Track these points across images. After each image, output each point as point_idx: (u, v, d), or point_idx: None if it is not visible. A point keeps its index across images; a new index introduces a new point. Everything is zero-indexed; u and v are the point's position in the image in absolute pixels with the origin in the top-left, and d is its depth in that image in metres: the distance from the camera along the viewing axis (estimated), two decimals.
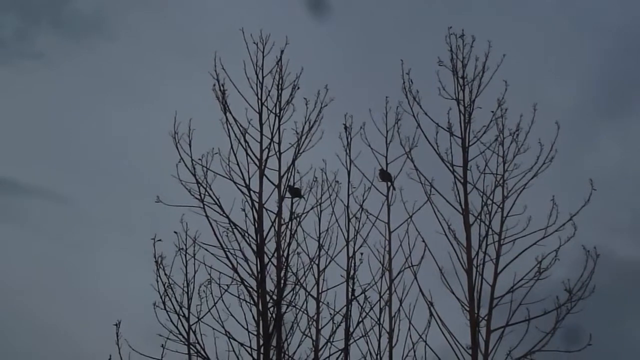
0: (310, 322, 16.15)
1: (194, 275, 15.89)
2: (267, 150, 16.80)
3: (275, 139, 16.86)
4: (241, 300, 16.00)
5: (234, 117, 16.83)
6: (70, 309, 24.03)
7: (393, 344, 16.17)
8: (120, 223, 24.92)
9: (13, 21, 31.03)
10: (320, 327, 16.17)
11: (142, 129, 25.36)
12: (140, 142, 25.48)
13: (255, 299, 16.03)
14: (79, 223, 26.49)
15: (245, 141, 16.75)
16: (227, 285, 16.01)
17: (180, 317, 15.70)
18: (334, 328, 16.06)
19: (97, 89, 28.04)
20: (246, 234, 16.27)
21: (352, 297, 16.20)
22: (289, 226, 16.38)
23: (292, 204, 16.63)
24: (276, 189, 16.66)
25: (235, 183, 16.56)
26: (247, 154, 16.71)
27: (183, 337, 15.65)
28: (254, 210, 16.45)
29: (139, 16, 29.04)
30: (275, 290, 16.06)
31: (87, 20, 30.38)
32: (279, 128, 16.89)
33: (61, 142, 27.99)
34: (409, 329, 16.11)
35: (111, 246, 24.90)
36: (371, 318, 16.20)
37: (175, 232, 16.01)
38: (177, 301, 15.72)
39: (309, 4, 19.09)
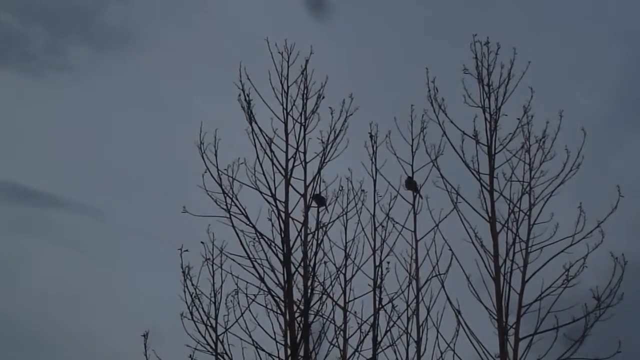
0: (338, 332, 16.14)
1: (221, 286, 15.94)
2: (292, 159, 16.78)
3: (301, 148, 16.85)
4: (268, 310, 16.03)
5: (259, 127, 16.83)
6: (100, 319, 24.12)
7: (421, 353, 16.12)
8: (149, 234, 24.99)
9: (43, 34, 31.29)
10: (347, 337, 16.16)
11: (168, 139, 25.44)
12: (166, 152, 25.56)
13: (283, 308, 16.02)
14: (108, 234, 26.61)
15: (271, 151, 16.73)
16: (254, 295, 16.03)
17: (208, 327, 15.74)
18: (362, 337, 16.06)
19: (125, 100, 28.18)
20: (273, 244, 16.27)
21: (380, 306, 16.18)
22: (316, 235, 16.37)
23: (318, 213, 16.66)
24: (302, 199, 16.68)
25: (261, 193, 16.56)
26: (272, 163, 16.70)
27: (211, 347, 15.69)
28: (280, 220, 16.43)
29: (165, 28, 29.17)
30: (302, 300, 16.05)
31: (116, 33, 30.59)
32: (304, 137, 16.89)
33: (90, 154, 28.10)
34: (437, 337, 16.07)
35: (140, 257, 25.00)
36: (399, 327, 16.18)
37: (202, 243, 16.06)
38: (204, 311, 15.79)
39: (329, 11, 19.02)
